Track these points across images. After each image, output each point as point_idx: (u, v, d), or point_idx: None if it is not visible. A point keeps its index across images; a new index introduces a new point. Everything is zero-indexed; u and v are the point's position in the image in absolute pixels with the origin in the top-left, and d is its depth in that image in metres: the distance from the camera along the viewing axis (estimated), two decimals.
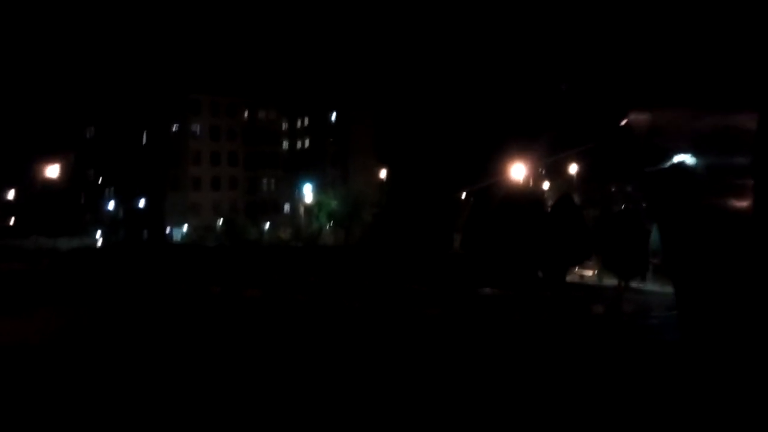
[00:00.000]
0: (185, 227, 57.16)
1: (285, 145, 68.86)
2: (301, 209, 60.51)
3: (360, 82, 64.57)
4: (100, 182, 63.76)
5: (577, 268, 30.12)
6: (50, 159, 50.02)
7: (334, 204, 53.93)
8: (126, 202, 60.36)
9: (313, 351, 14.13)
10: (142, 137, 61.29)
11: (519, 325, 16.67)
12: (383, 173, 60.94)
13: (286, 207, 65.20)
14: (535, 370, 12.14)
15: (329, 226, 53.71)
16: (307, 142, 68.72)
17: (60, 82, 67.73)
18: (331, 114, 66.82)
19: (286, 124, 69.15)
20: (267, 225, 58.69)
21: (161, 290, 27.09)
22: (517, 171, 33.97)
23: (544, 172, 52.61)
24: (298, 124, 69.41)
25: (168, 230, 57.16)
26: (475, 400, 9.71)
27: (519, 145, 36.40)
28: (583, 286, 27.29)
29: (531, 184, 41.35)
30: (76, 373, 11.56)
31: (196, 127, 60.66)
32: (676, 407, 8.71)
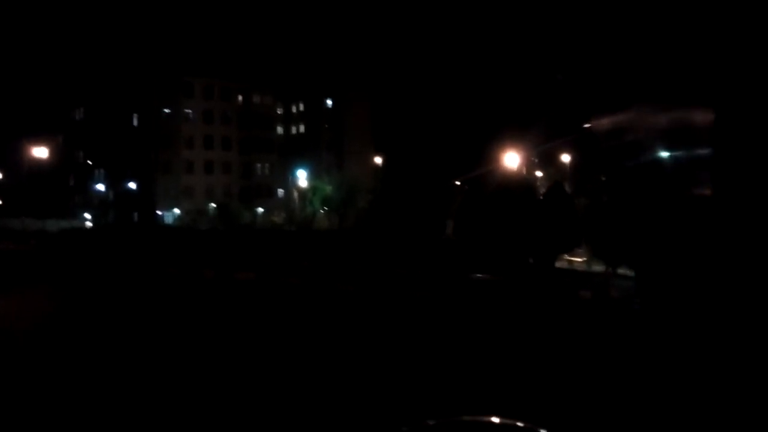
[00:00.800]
0: (177, 211, 57.06)
1: (280, 130, 68.57)
2: (295, 194, 60.50)
3: (356, 69, 64.27)
4: (89, 164, 63.24)
5: (566, 255, 30.41)
6: (38, 139, 49.41)
7: (328, 189, 53.97)
8: (116, 185, 59.98)
9: (306, 331, 14.32)
10: (132, 119, 60.81)
11: (507, 308, 16.98)
12: (378, 159, 60.98)
13: (280, 192, 65.13)
14: (521, 348, 12.44)
15: (323, 212, 53.85)
16: (302, 128, 68.46)
17: (49, 62, 66.96)
18: (327, 100, 66.54)
19: (281, 109, 68.80)
20: (260, 210, 58.68)
21: (152, 273, 27.09)
22: (511, 159, 34.17)
23: (537, 161, 52.83)
24: (294, 109, 69.08)
25: (160, 213, 57.02)
26: (460, 377, 9.91)
27: (513, 133, 36.53)
28: (572, 272, 27.54)
29: (524, 172, 41.55)
30: (67, 358, 11.59)
31: (189, 111, 60.27)
32: (654, 381, 9.03)
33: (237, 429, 7.71)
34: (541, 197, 30.21)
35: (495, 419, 3.82)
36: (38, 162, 50.52)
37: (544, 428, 3.66)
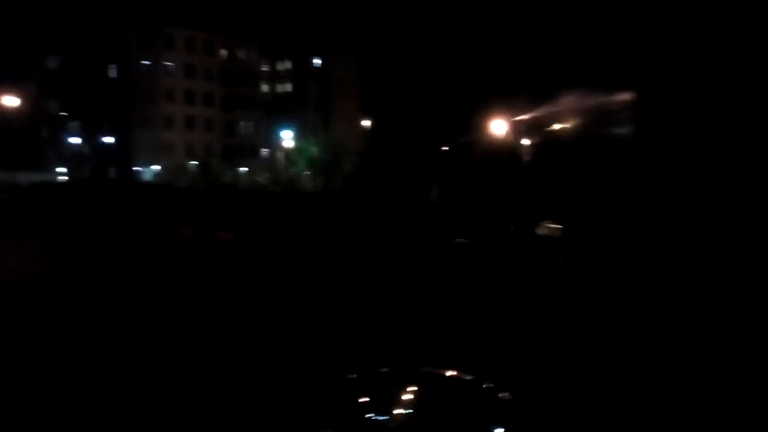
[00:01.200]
0: (156, 167, 55.56)
1: (265, 87, 66.67)
2: (280, 154, 59.34)
3: (346, 28, 62.34)
4: (64, 115, 60.89)
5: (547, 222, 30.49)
6: (9, 88, 47.07)
7: (314, 150, 53.02)
8: (92, 138, 58.04)
9: (281, 290, 14.01)
10: (109, 69, 58.37)
11: (488, 271, 17.22)
12: (366, 122, 59.82)
13: (265, 152, 63.77)
14: (498, 306, 12.69)
15: (308, 173, 53.01)
16: (288, 86, 66.64)
17: (22, 7, 63.40)
18: (315, 58, 64.64)
19: (268, 66, 66.75)
20: (243, 169, 57.52)
21: (128, 230, 26.38)
22: (498, 127, 33.83)
23: (524, 129, 52.32)
24: (280, 66, 67.08)
25: (138, 169, 55.52)
26: (438, 336, 9.78)
27: (502, 100, 35.92)
28: (551, 238, 27.76)
29: (511, 140, 41.25)
30: (41, 319, 10.97)
31: (170, 63, 57.96)
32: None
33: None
34: (526, 165, 30.05)
35: (450, 372, 3.93)
36: (9, 112, 48.36)
37: (491, 382, 3.74)
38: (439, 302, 13.08)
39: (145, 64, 57.58)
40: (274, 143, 62.00)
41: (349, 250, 21.45)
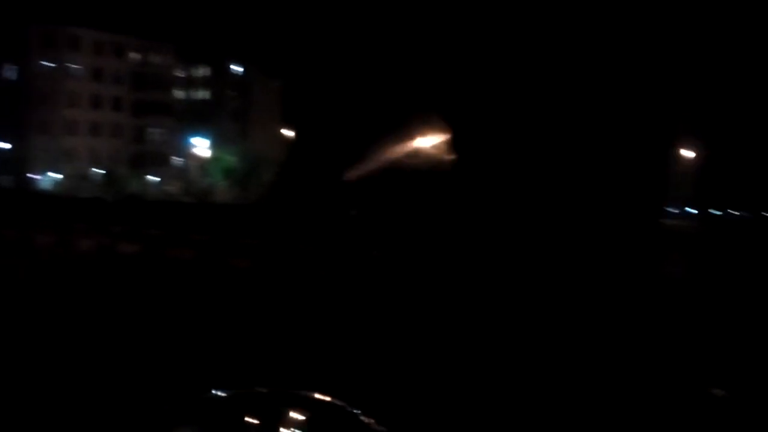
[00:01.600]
0: (57, 175, 51.62)
1: (180, 94, 64.11)
2: (194, 163, 57.17)
3: (268, 37, 61.58)
4: None
5: None
6: None
7: (231, 160, 51.72)
8: None
9: (186, 306, 13.52)
10: (7, 70, 53.81)
11: (405, 282, 17.49)
12: (287, 132, 59.21)
13: (178, 161, 61.12)
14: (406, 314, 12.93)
15: (225, 183, 51.57)
16: (204, 93, 64.52)
17: None
18: (234, 65, 63.17)
19: (183, 71, 64.28)
20: (154, 178, 54.88)
21: (19, 243, 24.35)
22: (422, 142, 34.85)
23: (447, 145, 54.18)
24: (197, 73, 64.83)
25: (35, 177, 51.33)
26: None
27: (425, 115, 37.03)
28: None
29: (432, 155, 42.55)
30: None
31: (75, 66, 54.30)
32: None
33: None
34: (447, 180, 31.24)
35: (319, 395, 3.87)
36: None
37: (358, 408, 3.72)
38: (345, 318, 13.06)
39: (47, 66, 53.63)
40: (187, 151, 59.65)
41: (262, 263, 21.07)
